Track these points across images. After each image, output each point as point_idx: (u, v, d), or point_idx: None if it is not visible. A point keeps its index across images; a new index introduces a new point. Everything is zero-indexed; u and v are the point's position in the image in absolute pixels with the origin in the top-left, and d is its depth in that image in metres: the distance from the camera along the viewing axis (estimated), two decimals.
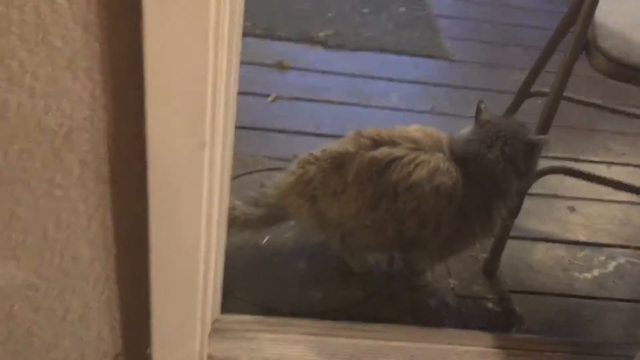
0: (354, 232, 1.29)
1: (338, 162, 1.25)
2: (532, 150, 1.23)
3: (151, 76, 0.67)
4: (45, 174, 0.77)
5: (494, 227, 1.28)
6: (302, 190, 1.30)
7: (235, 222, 1.34)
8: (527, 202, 1.66)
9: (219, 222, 1.00)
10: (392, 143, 1.23)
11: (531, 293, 1.45)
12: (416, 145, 1.22)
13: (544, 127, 1.35)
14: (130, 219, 0.82)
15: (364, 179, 1.22)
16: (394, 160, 1.20)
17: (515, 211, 1.35)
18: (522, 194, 1.34)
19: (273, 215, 1.37)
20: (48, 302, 0.90)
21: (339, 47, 2.24)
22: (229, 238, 1.39)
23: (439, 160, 1.20)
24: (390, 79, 2.12)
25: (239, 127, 1.81)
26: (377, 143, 1.23)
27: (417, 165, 1.19)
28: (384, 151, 1.22)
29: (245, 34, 2.22)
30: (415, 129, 1.26)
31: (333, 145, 1.29)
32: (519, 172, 1.22)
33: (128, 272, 0.88)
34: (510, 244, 1.49)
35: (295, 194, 1.31)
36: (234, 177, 1.60)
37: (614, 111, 1.71)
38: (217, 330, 1.17)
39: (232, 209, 1.34)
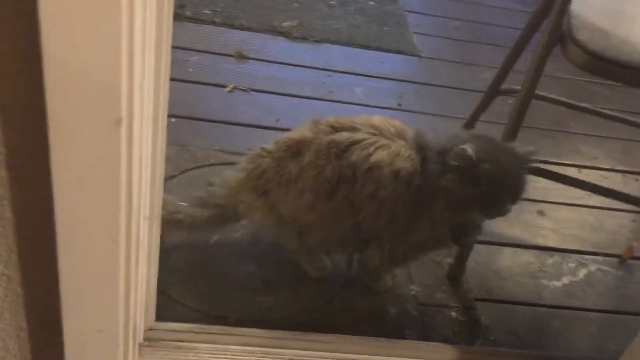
0: (310, 227, 1.19)
1: (294, 150, 1.16)
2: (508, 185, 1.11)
3: (47, 30, 0.55)
4: None
5: (439, 240, 1.18)
6: (253, 185, 1.19)
7: (180, 226, 1.23)
8: None
9: (148, 217, 0.88)
10: (352, 129, 1.14)
11: (498, 301, 1.36)
12: (378, 131, 1.14)
13: (515, 125, 1.27)
14: (34, 210, 0.69)
15: (321, 163, 1.12)
16: (354, 143, 1.12)
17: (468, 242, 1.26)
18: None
19: (222, 216, 1.26)
20: None
21: (303, 38, 2.13)
22: (171, 236, 1.27)
23: (401, 146, 1.12)
24: (355, 73, 2.02)
25: (192, 118, 1.71)
26: (336, 130, 1.14)
27: (377, 147, 1.11)
28: (343, 135, 1.13)
29: (204, 22, 2.11)
30: (378, 118, 1.16)
31: (288, 134, 1.19)
32: (485, 203, 1.11)
33: (34, 273, 0.75)
34: (476, 248, 1.39)
35: (246, 190, 1.20)
36: (182, 172, 1.47)
37: (585, 110, 1.64)
38: (149, 340, 1.04)
39: (175, 212, 1.22)
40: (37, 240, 0.72)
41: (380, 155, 1.10)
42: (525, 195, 1.14)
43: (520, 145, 1.17)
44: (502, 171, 1.09)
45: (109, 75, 0.58)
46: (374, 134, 1.13)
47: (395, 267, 1.31)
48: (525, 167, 1.14)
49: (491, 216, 1.16)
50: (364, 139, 1.12)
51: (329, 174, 1.12)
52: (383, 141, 1.12)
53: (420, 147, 1.13)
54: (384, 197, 1.11)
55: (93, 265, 0.74)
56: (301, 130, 1.18)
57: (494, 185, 1.08)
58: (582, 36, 1.14)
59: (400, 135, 1.14)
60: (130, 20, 0.57)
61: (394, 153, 1.11)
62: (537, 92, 1.52)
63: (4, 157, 0.65)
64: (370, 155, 1.11)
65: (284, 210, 1.18)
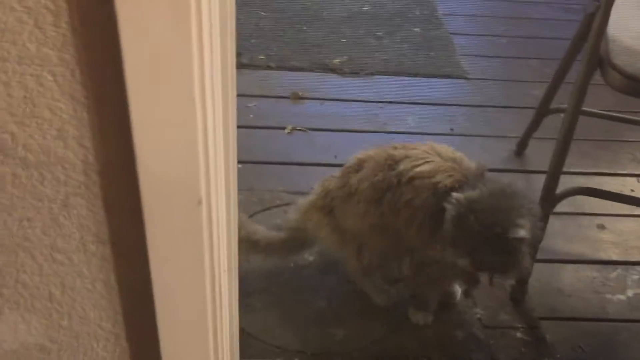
0: (365, 239, 1.28)
1: (356, 167, 1.28)
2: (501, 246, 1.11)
3: (140, 141, 0.67)
4: (46, 240, 0.77)
5: (453, 268, 1.21)
6: (321, 204, 1.32)
7: (256, 247, 1.35)
8: (554, 222, 1.61)
9: (227, 270, 0.99)
10: (412, 148, 1.25)
11: (562, 319, 1.40)
12: (435, 152, 1.23)
13: (564, 146, 1.32)
14: (134, 278, 0.81)
15: (377, 172, 1.23)
16: (408, 157, 1.22)
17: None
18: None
19: (296, 239, 1.38)
20: None
21: (354, 73, 2.23)
22: (248, 261, 1.37)
23: (448, 166, 1.19)
24: (406, 102, 2.10)
25: (256, 162, 1.84)
26: (397, 149, 1.26)
27: (426, 162, 1.20)
28: (401, 151, 1.24)
29: (260, 67, 2.25)
30: (443, 146, 1.26)
31: (355, 155, 1.31)
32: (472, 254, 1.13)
33: (137, 330, 0.88)
34: (537, 267, 1.44)
35: (314, 210, 1.33)
36: (251, 215, 1.59)
37: (634, 122, 1.65)
38: None
39: (253, 233, 1.35)
40: (138, 302, 0.84)
41: (425, 167, 1.19)
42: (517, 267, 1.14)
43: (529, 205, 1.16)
44: (486, 227, 1.09)
45: (190, 169, 0.70)
46: (429, 153, 1.22)
47: (425, 286, 1.33)
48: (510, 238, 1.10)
49: (479, 268, 1.18)
50: (417, 155, 1.22)
51: (380, 183, 1.22)
52: (434, 158, 1.21)
53: (470, 176, 1.19)
54: (418, 206, 1.18)
55: (185, 320, 0.85)
56: (366, 151, 1.30)
57: (476, 238, 1.10)
58: (619, 61, 1.19)
59: (455, 160, 1.22)
60: (204, 121, 0.68)
61: (439, 169, 1.19)
62: (587, 108, 1.57)
63: (108, 238, 0.77)
64: (416, 166, 1.20)
65: (345, 224, 1.27)
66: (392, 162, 1.23)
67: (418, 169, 1.20)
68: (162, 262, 0.78)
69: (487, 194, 1.14)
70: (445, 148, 1.26)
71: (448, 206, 1.12)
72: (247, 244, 1.34)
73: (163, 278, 0.80)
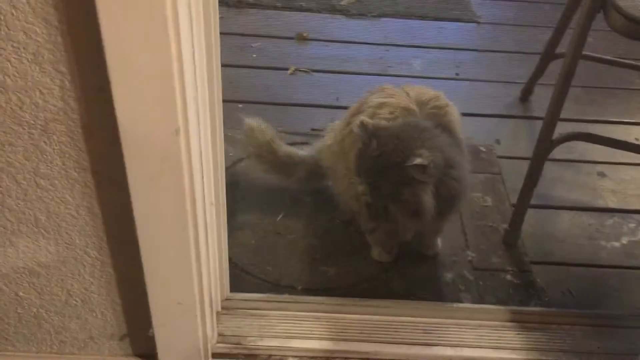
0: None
1: (358, 109, 1.30)
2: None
3: (113, 64, 0.67)
4: (29, 166, 0.78)
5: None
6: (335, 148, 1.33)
7: (274, 155, 1.43)
8: (554, 169, 1.61)
9: (214, 203, 1.00)
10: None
11: (554, 264, 1.40)
12: (405, 92, 1.25)
13: (563, 90, 1.29)
14: (117, 206, 0.83)
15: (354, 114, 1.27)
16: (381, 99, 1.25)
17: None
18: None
19: (312, 167, 1.42)
20: (50, 287, 0.92)
21: (361, 15, 2.19)
22: (241, 216, 1.41)
23: (402, 106, 1.21)
24: (412, 46, 2.06)
25: (257, 102, 1.83)
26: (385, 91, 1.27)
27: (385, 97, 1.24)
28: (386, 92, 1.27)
29: (265, 7, 2.21)
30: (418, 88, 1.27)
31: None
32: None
33: (122, 257, 0.90)
34: (532, 213, 1.44)
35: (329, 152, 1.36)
36: (249, 155, 1.60)
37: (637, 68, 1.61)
38: (226, 309, 1.18)
39: (274, 140, 1.44)
40: (121, 230, 0.86)
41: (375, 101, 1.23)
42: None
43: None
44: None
45: (165, 96, 0.70)
46: (396, 93, 1.25)
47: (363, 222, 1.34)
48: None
49: (377, 198, 1.16)
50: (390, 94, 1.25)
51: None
52: (398, 99, 1.23)
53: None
54: (353, 140, 1.21)
55: (167, 249, 0.87)
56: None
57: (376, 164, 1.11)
58: (622, 2, 1.15)
59: (415, 103, 1.22)
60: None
61: (388, 105, 1.21)
62: (589, 53, 1.54)
63: (89, 165, 0.79)
64: (373, 106, 1.23)
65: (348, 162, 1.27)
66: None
67: (370, 101, 1.24)
68: (141, 191, 0.80)
69: (398, 125, 1.14)
70: (418, 89, 1.25)
71: (355, 129, 1.13)
72: (268, 149, 1.40)
73: (143, 207, 0.81)
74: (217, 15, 0.85)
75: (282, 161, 1.43)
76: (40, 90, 0.71)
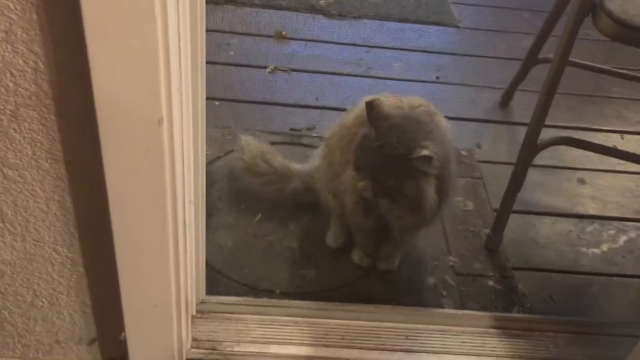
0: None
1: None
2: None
3: (94, 45, 0.62)
4: None
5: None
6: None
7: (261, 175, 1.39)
8: (534, 174, 1.59)
9: (193, 201, 0.95)
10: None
11: (535, 270, 1.39)
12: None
13: (549, 95, 1.28)
14: (90, 200, 0.78)
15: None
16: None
17: None
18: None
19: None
20: (14, 287, 0.86)
21: (341, 15, 2.16)
22: (217, 216, 1.36)
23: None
24: (393, 48, 2.04)
25: (235, 100, 1.78)
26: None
27: None
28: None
29: (244, 4, 2.16)
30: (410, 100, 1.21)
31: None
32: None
33: (94, 255, 0.84)
34: (515, 218, 1.43)
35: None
36: (226, 153, 1.55)
37: (622, 76, 1.62)
38: (201, 312, 1.13)
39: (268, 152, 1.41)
40: (95, 227, 0.80)
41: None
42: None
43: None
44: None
45: (149, 83, 0.65)
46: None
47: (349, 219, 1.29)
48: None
49: (378, 194, 1.11)
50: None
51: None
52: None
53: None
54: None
55: (145, 247, 0.82)
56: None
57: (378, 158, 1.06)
58: (611, 5, 1.14)
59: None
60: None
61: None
62: (577, 60, 1.54)
63: (62, 155, 0.73)
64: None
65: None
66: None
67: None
68: (118, 185, 0.74)
69: (399, 117, 1.09)
70: (409, 97, 1.22)
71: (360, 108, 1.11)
72: (263, 159, 1.38)
73: (120, 202, 0.76)
74: (204, 7, 0.81)
75: (278, 172, 1.38)
76: (11, 72, 0.66)
